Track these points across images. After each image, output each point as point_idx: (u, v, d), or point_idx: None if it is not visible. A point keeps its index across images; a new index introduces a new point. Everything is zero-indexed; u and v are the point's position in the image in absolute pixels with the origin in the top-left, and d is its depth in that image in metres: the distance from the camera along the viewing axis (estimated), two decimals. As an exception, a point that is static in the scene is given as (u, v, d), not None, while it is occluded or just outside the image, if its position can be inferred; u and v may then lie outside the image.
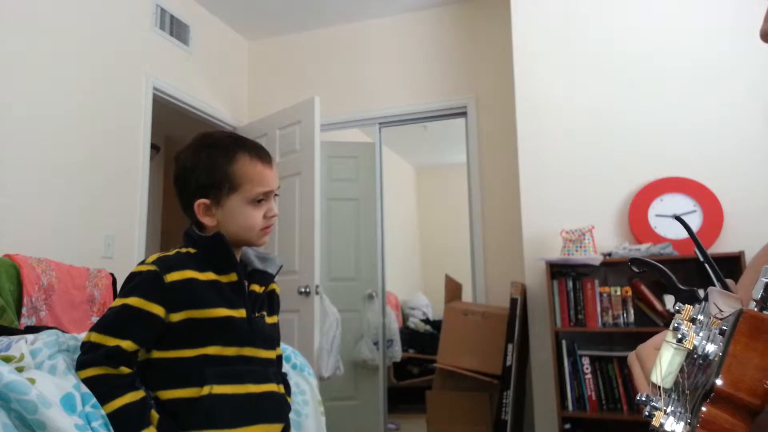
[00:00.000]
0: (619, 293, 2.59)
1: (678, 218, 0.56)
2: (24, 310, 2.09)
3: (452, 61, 3.79)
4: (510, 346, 2.77)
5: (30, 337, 1.07)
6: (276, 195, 1.18)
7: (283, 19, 4.03)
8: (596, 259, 2.56)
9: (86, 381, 1.00)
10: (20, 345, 1.02)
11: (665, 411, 0.38)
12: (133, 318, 1.03)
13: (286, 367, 1.57)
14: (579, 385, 2.59)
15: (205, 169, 1.13)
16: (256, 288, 1.17)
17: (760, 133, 2.63)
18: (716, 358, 0.37)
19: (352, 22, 4.06)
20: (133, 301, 1.03)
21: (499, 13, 3.60)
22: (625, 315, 2.57)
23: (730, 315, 0.38)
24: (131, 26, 3.20)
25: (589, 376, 2.58)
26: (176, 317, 1.05)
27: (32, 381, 0.92)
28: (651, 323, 2.56)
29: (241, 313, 1.11)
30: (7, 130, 2.46)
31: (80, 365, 1.02)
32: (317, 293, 3.17)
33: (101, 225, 2.89)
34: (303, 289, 3.18)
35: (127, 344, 1.02)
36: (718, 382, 0.35)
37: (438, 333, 3.29)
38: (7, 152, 2.46)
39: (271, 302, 1.25)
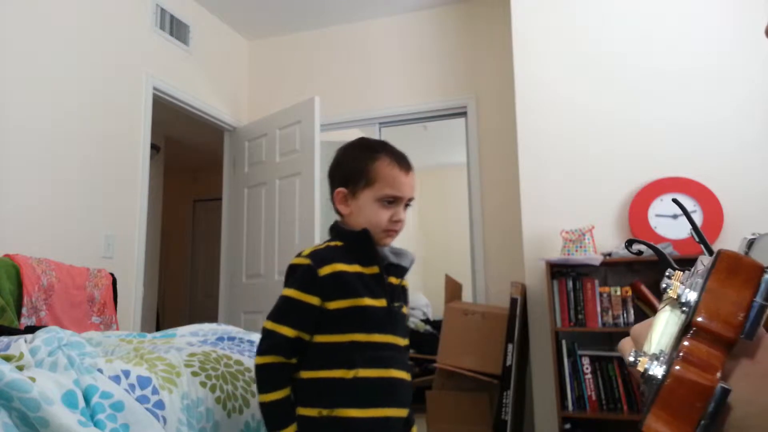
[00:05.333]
0: (619, 293, 2.59)
1: (675, 201, 0.57)
2: (24, 310, 2.10)
3: (452, 61, 3.79)
4: (510, 346, 2.77)
5: (29, 336, 1.07)
6: (407, 205, 1.26)
7: (283, 19, 4.03)
8: (596, 259, 2.56)
9: (262, 366, 1.14)
10: (19, 344, 1.02)
11: (650, 357, 0.39)
12: (292, 307, 1.16)
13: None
14: (579, 385, 2.59)
15: (349, 162, 1.27)
16: (393, 280, 1.26)
17: (760, 134, 2.63)
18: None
19: (353, 22, 4.06)
20: (291, 292, 1.17)
21: (499, 13, 3.60)
22: (625, 315, 2.57)
23: (710, 260, 0.39)
24: (131, 26, 3.20)
25: (589, 376, 2.58)
26: (331, 305, 1.17)
27: (32, 380, 0.92)
28: (651, 323, 2.56)
29: (381, 302, 1.20)
30: (8, 130, 2.46)
31: (261, 352, 1.15)
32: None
33: (101, 225, 2.89)
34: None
35: (288, 331, 1.15)
36: (697, 318, 0.37)
37: (438, 333, 3.28)
38: (7, 152, 2.46)
39: (405, 295, 1.33)
